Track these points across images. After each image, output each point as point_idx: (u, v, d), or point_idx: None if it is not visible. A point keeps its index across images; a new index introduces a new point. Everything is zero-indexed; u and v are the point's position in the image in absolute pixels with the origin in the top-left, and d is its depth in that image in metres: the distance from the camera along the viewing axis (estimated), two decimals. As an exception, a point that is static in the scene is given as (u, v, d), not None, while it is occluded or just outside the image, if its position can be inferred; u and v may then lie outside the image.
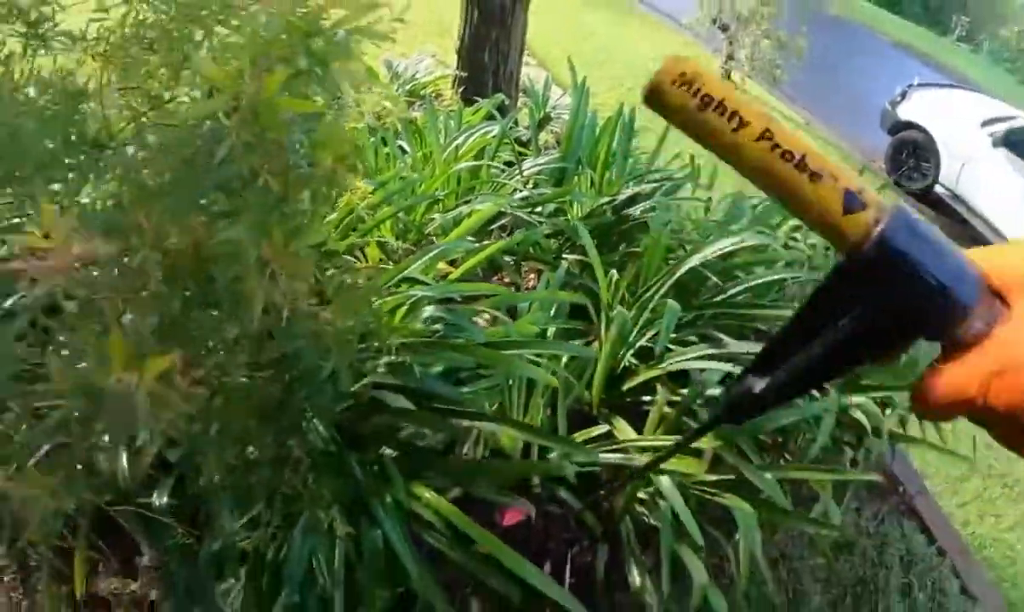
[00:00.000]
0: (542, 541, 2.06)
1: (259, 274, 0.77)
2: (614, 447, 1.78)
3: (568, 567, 2.07)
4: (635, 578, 1.86)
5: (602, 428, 1.81)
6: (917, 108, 8.16)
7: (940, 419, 0.41)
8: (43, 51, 1.04)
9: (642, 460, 1.73)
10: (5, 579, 1.77)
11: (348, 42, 0.67)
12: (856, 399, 2.17)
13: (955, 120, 7.91)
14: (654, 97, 0.45)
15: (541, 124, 3.09)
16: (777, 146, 0.42)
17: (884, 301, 0.41)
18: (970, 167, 7.76)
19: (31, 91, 0.98)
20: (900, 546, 2.93)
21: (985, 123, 7.65)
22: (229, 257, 0.74)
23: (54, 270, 0.53)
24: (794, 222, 2.85)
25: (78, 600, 1.63)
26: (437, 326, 1.64)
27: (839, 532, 2.11)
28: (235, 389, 1.12)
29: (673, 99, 0.44)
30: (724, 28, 7.84)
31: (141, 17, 0.96)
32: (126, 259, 0.63)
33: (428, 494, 1.53)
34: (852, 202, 0.41)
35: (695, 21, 8.01)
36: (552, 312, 2.00)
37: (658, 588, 1.82)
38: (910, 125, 8.11)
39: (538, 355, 1.64)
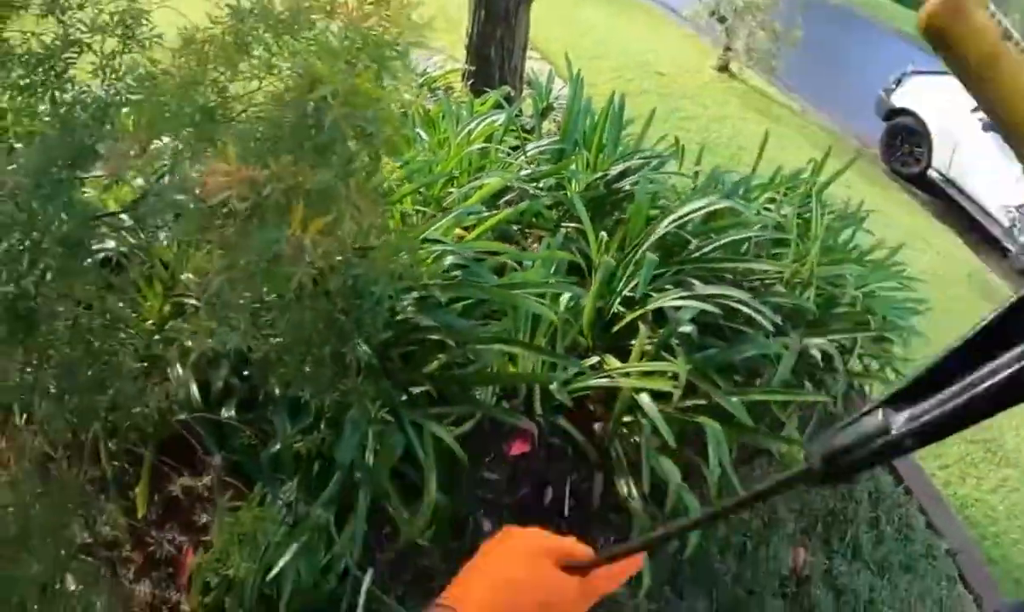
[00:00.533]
0: (545, 470, 2.41)
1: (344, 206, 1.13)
2: (603, 374, 2.14)
3: (568, 492, 2.42)
4: (622, 489, 2.22)
5: (593, 359, 2.17)
6: (911, 95, 8.40)
7: None
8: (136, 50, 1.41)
9: (626, 384, 2.09)
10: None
11: (407, 51, 1.03)
12: (815, 340, 2.52)
13: (947, 106, 8.15)
14: (953, 13, 0.43)
15: (544, 113, 3.44)
16: None
17: None
18: (961, 151, 8.01)
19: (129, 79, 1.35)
20: (868, 484, 3.28)
21: (976, 108, 7.87)
22: (323, 193, 1.10)
23: (235, 181, 0.88)
24: (769, 194, 3.20)
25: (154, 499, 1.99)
26: (457, 272, 2.01)
27: (799, 448, 2.46)
28: (305, 307, 1.49)
29: (978, 20, 0.42)
30: (722, 20, 8.12)
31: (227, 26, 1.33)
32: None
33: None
34: None
35: (694, 13, 8.28)
36: (552, 270, 2.37)
37: (641, 494, 2.18)
38: (904, 111, 8.35)
39: (540, 296, 2.00)
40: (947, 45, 0.42)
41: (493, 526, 2.26)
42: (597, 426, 2.34)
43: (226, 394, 1.89)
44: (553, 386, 2.14)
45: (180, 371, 1.82)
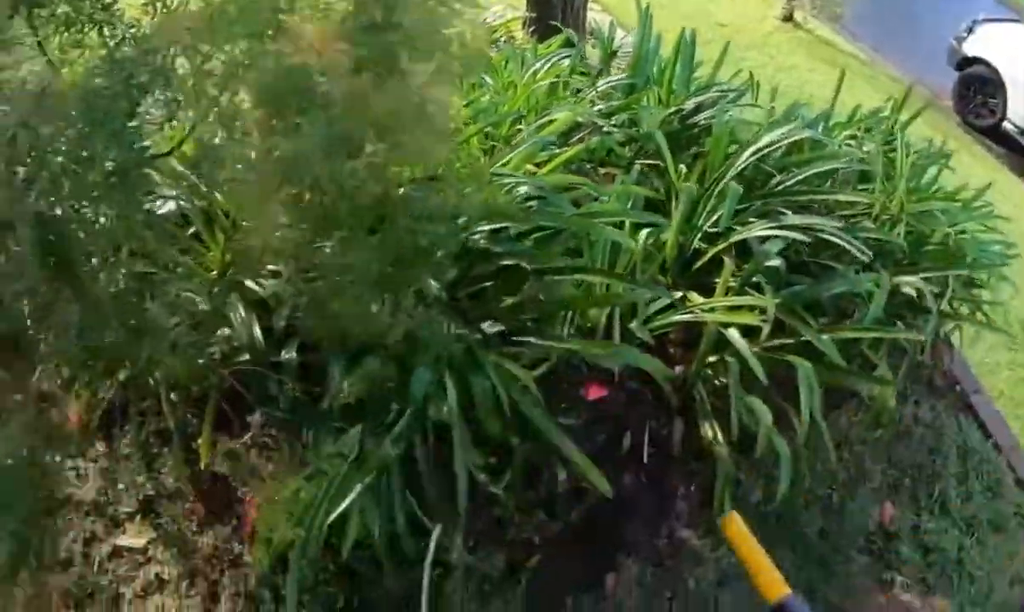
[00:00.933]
0: (623, 415, 2.32)
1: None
2: (685, 310, 2.05)
3: (646, 438, 2.32)
4: (707, 433, 2.13)
5: (676, 295, 2.07)
6: (983, 43, 8.01)
7: None
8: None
9: (711, 319, 1.99)
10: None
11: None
12: (907, 279, 2.37)
13: (1021, 54, 7.75)
14: None
15: (610, 58, 3.32)
16: None
17: None
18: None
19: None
20: (957, 438, 3.11)
21: None
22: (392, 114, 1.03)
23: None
24: (849, 132, 3.03)
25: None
26: (531, 203, 1.92)
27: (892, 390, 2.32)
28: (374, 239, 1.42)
29: None
30: (785, -29, 7.82)
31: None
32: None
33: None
34: None
35: None
36: (628, 205, 2.26)
37: (728, 440, 2.08)
38: (976, 60, 7.97)
39: (620, 225, 1.91)
40: None
41: (568, 475, 2.18)
42: (678, 369, 2.24)
43: (288, 336, 1.83)
44: (633, 324, 2.05)
45: (243, 313, 1.77)
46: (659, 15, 3.08)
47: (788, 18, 7.89)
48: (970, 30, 8.17)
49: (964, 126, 8.03)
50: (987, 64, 7.91)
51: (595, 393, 2.21)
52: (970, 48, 8.04)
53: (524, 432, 1.88)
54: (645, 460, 2.27)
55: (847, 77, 3.16)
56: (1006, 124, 7.90)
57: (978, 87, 8.03)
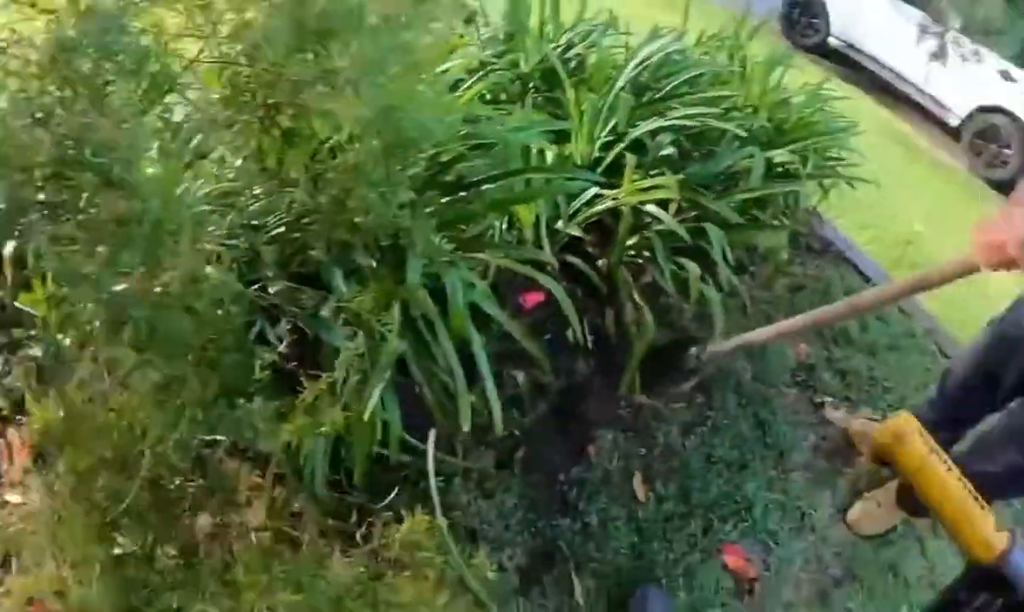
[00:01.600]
0: (562, 313, 2.58)
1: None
2: (604, 200, 2.37)
3: (584, 330, 2.60)
4: (630, 312, 2.44)
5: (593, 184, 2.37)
6: (802, -30, 8.84)
7: None
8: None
9: (629, 202, 2.31)
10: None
11: None
12: (775, 152, 2.80)
13: None
14: (897, 438, 0.63)
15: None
16: (966, 485, 0.61)
17: (1009, 597, 0.56)
18: (857, 16, 8.50)
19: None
20: (843, 285, 3.62)
21: None
22: None
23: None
24: (701, 50, 3.45)
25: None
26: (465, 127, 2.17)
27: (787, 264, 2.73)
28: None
29: (915, 444, 0.63)
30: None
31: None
32: None
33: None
34: (997, 526, 0.58)
35: None
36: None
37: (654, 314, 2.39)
38: (798, -14, 8.82)
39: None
40: (890, 458, 0.61)
41: (527, 374, 2.42)
42: (601, 263, 2.54)
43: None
44: (559, 224, 2.35)
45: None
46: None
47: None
48: (792, -41, 8.99)
49: (793, 48, 8.87)
50: (808, -13, 8.77)
51: (532, 299, 2.47)
52: (792, -25, 8.88)
53: (488, 333, 2.10)
54: (590, 347, 2.56)
55: (679, 15, 3.60)
56: (831, 40, 8.80)
57: (802, 10, 8.90)
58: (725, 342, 2.32)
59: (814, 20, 8.79)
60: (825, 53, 8.80)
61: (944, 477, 0.66)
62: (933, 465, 0.67)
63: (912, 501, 2.56)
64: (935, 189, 6.89)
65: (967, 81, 7.76)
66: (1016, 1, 7.67)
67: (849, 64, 8.74)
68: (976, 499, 0.66)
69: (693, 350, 2.38)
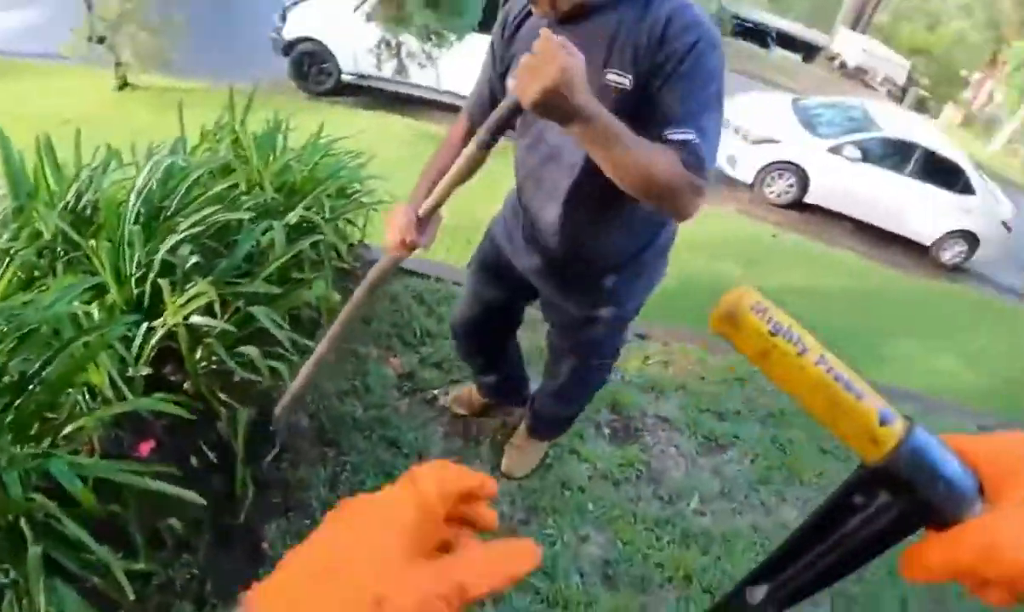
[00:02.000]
0: (183, 446, 2.77)
1: None
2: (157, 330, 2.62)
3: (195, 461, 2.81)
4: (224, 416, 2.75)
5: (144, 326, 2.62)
6: (297, 24, 9.45)
7: (927, 581, 0.48)
8: None
9: (174, 320, 2.60)
10: None
11: None
12: (291, 215, 3.31)
13: (331, 16, 9.34)
14: (728, 319, 0.51)
15: None
16: (831, 369, 0.50)
17: (907, 499, 0.48)
18: (356, 49, 9.42)
19: None
20: (407, 292, 4.37)
21: (357, 6, 9.21)
22: None
23: None
24: (206, 146, 3.81)
25: None
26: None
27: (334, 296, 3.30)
28: None
29: (749, 323, 0.51)
30: (101, 40, 8.06)
31: None
32: None
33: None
34: (886, 416, 0.49)
35: (71, 47, 7.96)
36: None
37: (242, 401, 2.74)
38: (299, 40, 9.43)
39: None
40: (732, 342, 0.52)
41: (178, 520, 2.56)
42: (186, 386, 2.79)
43: None
44: (130, 371, 2.54)
45: None
46: (15, 128, 3.33)
47: (125, 84, 8.36)
48: (283, 18, 9.51)
49: (313, 97, 9.64)
50: (310, 39, 9.44)
51: (146, 448, 2.62)
52: (289, 32, 9.42)
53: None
54: (216, 461, 2.78)
55: (192, 106, 3.92)
56: (344, 78, 9.74)
57: (311, 61, 9.64)
58: (281, 400, 2.75)
59: (324, 65, 9.59)
60: (341, 91, 9.73)
61: (798, 362, 0.51)
62: (781, 348, 0.51)
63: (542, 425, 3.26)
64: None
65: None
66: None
67: (370, 93, 9.80)
68: (850, 387, 0.51)
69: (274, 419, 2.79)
